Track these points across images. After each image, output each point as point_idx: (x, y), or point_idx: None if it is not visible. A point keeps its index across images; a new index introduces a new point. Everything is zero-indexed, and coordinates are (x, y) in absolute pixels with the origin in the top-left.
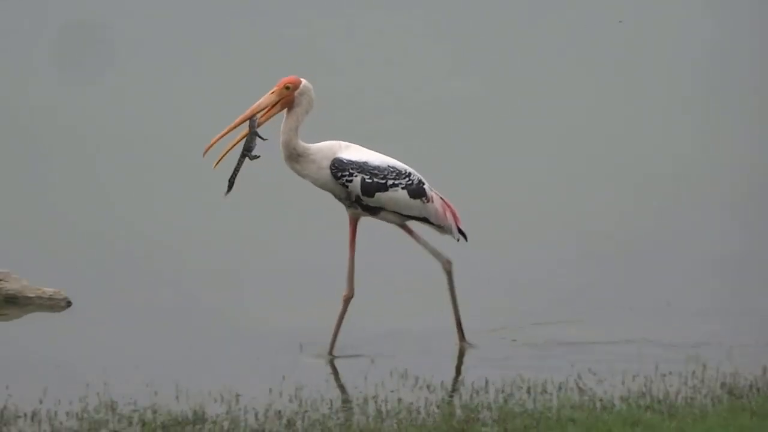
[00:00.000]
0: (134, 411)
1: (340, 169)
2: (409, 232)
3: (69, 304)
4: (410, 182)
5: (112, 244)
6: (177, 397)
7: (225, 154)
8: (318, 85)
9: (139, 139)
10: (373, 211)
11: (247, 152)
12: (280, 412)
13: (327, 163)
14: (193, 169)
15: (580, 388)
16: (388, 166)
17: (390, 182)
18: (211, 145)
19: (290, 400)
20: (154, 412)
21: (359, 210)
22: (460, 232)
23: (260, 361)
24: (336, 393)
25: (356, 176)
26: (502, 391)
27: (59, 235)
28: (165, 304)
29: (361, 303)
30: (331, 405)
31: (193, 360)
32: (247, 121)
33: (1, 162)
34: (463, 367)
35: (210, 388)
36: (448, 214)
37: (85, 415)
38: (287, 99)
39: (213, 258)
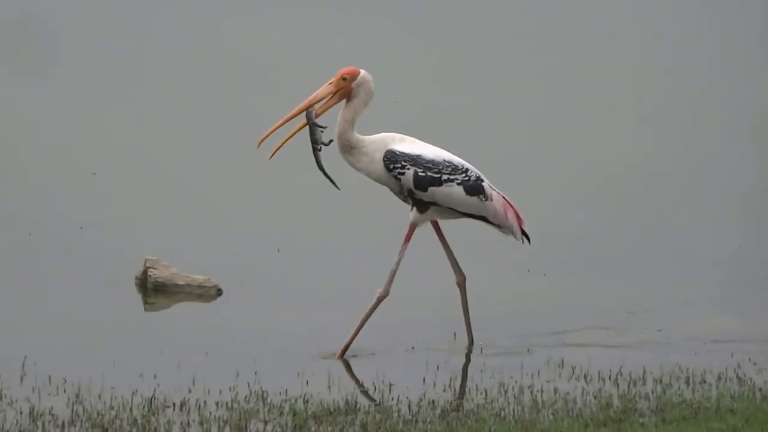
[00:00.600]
0: (285, 401)
1: (392, 161)
2: (440, 235)
3: (220, 292)
4: (467, 178)
5: (264, 232)
6: (329, 387)
7: (281, 145)
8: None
9: None
10: (426, 206)
11: (315, 145)
12: (433, 402)
13: (380, 156)
14: None
15: (739, 378)
16: (444, 160)
17: (445, 177)
18: (266, 137)
19: (444, 390)
20: (306, 401)
21: (412, 204)
22: (524, 233)
23: (414, 351)
24: (490, 383)
25: (409, 169)
26: (660, 381)
27: (209, 222)
28: (318, 292)
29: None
30: (486, 395)
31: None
32: (304, 113)
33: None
34: (620, 358)
35: (362, 378)
36: (510, 214)
37: (235, 405)
38: (344, 90)
39: (360, 252)
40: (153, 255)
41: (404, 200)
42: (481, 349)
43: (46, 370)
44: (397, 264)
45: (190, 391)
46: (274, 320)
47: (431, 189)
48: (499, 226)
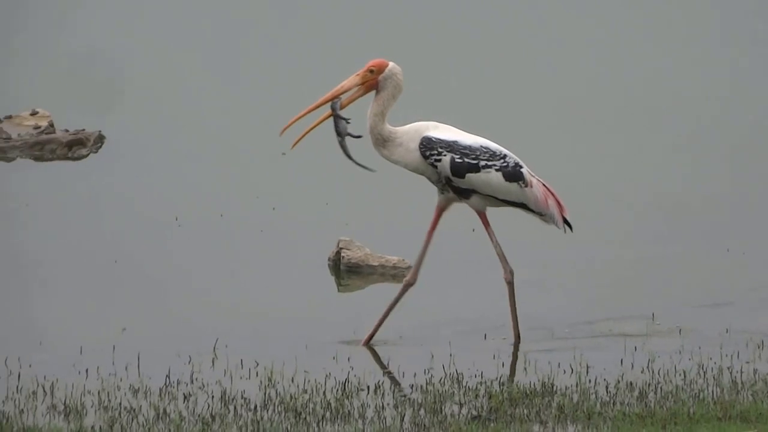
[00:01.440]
0: (480, 383)
1: (428, 147)
2: (486, 227)
3: None
4: (505, 164)
5: (458, 213)
6: (525, 369)
7: (304, 135)
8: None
9: None
10: (465, 194)
11: (340, 137)
12: (631, 383)
13: (415, 145)
14: None
15: None
16: (481, 146)
17: (483, 163)
18: (289, 125)
19: (642, 371)
20: (501, 384)
21: (451, 194)
22: (566, 222)
23: (611, 331)
24: (689, 364)
25: (445, 155)
26: None
27: (401, 202)
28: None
29: None
30: (685, 376)
31: (537, 331)
32: (330, 103)
33: None
34: None
35: (559, 360)
36: (551, 202)
37: (430, 388)
38: (371, 83)
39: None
40: (346, 236)
41: (442, 189)
42: (680, 330)
43: (238, 353)
44: (423, 251)
45: (383, 374)
46: (467, 302)
47: (469, 176)
48: (540, 214)
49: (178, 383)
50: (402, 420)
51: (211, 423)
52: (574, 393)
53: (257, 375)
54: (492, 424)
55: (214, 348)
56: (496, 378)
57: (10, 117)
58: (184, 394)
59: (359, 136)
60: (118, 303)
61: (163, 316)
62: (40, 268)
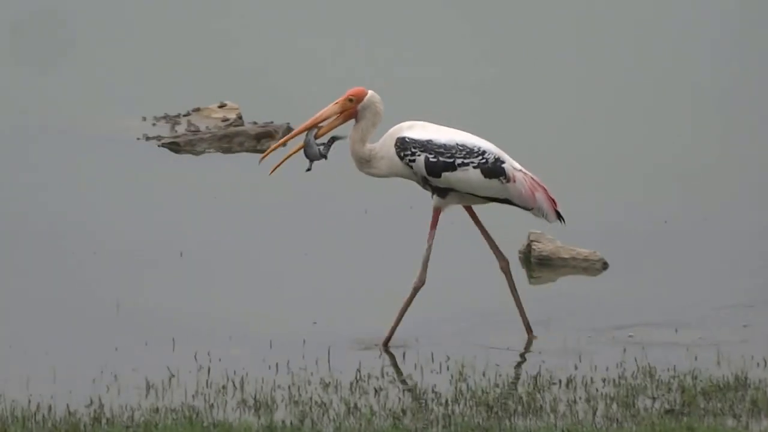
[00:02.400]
0: (673, 377)
1: (402, 148)
2: (476, 221)
3: (606, 266)
4: (484, 160)
5: (649, 203)
6: (718, 363)
7: (281, 163)
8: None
9: None
10: (444, 192)
11: (309, 161)
12: None
13: (395, 151)
14: None
15: None
16: (457, 143)
17: (459, 161)
18: (267, 154)
19: None
20: (694, 377)
21: (432, 191)
22: (559, 215)
23: None
24: None
25: (419, 155)
26: None
27: (595, 193)
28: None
29: None
30: None
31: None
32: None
33: None
34: None
35: (752, 352)
36: (539, 195)
37: (622, 382)
38: (350, 111)
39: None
40: (537, 229)
41: (424, 188)
42: None
43: (429, 347)
44: (428, 251)
45: (576, 368)
46: (660, 294)
47: (445, 174)
48: (527, 209)
49: (369, 377)
50: (594, 414)
51: (402, 417)
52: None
53: (448, 369)
54: (685, 418)
55: (404, 342)
56: (690, 371)
57: (198, 109)
58: (374, 388)
59: (309, 170)
60: (309, 296)
61: (353, 310)
62: (229, 261)
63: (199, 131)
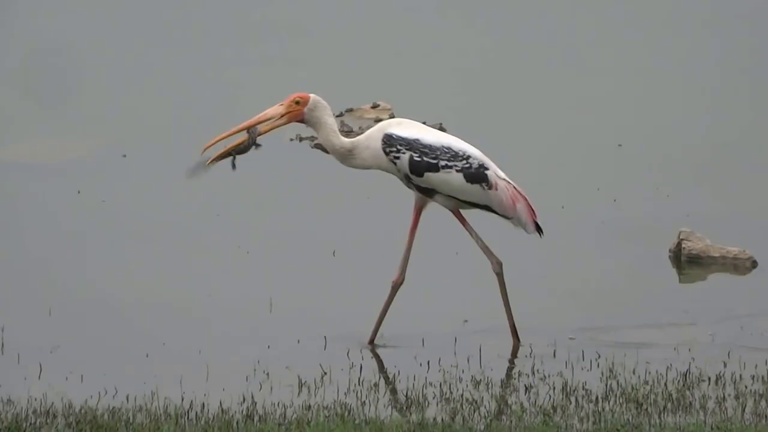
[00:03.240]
0: None
1: (388, 144)
2: (464, 223)
3: (755, 264)
4: (468, 165)
5: None
6: None
7: (219, 155)
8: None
9: None
10: (428, 192)
11: (235, 153)
12: None
13: (380, 144)
14: None
15: None
16: (443, 145)
17: (443, 163)
18: (210, 145)
19: None
20: None
21: (415, 190)
22: (537, 227)
23: None
24: None
25: (404, 153)
26: None
27: (745, 192)
28: None
29: None
30: None
31: None
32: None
33: None
34: None
35: None
36: (519, 205)
37: None
38: (295, 113)
39: None
40: (687, 227)
41: (407, 185)
42: None
43: (579, 344)
44: (408, 250)
45: (725, 365)
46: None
47: (428, 174)
48: (507, 217)
49: (519, 375)
50: (743, 411)
51: (553, 414)
52: None
53: (598, 366)
54: None
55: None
56: None
57: (351, 110)
58: (525, 385)
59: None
60: (462, 295)
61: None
62: (381, 260)
63: (352, 131)
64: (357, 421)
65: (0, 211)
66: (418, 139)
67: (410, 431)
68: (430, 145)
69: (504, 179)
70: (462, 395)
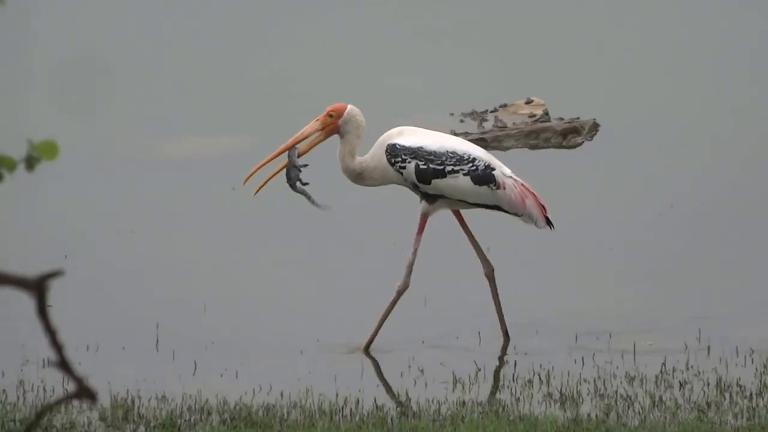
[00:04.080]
0: None
1: (393, 155)
2: (464, 226)
3: None
4: (474, 168)
5: None
6: None
7: (265, 183)
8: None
9: None
10: (433, 199)
11: (290, 182)
12: None
13: (386, 158)
14: None
15: None
16: (447, 151)
17: (449, 168)
18: (251, 175)
19: None
20: None
21: (422, 198)
22: (548, 221)
23: None
24: None
25: (409, 162)
26: None
27: None
28: None
29: None
30: None
31: None
32: (287, 152)
33: None
34: None
35: None
36: (529, 202)
37: None
38: (331, 127)
39: None
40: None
41: (414, 192)
42: None
43: (733, 340)
44: (414, 255)
45: None
46: None
47: (435, 182)
48: (517, 215)
49: (674, 371)
50: None
51: (707, 410)
52: None
53: (752, 362)
54: None
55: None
56: None
57: (505, 106)
58: (679, 381)
59: (306, 184)
60: (616, 290)
61: (658, 306)
62: (533, 254)
63: (506, 127)
64: (511, 418)
65: (156, 207)
66: (421, 147)
67: (564, 427)
68: (435, 152)
69: (511, 177)
70: (616, 391)
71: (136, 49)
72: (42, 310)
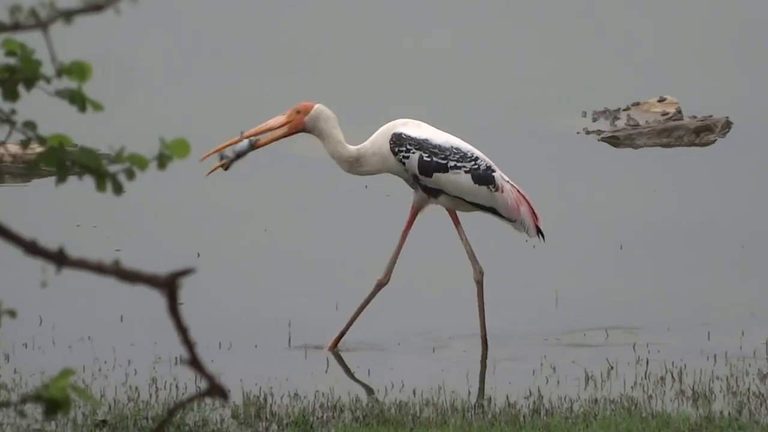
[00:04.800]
0: None
1: (397, 143)
2: (457, 225)
3: None
4: (476, 166)
5: None
6: None
7: (217, 167)
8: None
9: None
10: (434, 193)
11: (225, 160)
12: None
13: (388, 147)
14: None
15: None
16: (452, 146)
17: (452, 163)
18: (208, 155)
19: None
20: None
21: (422, 193)
22: (539, 231)
23: None
24: None
25: (414, 153)
26: None
27: None
28: None
29: None
30: None
31: None
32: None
33: None
34: None
35: None
36: (523, 209)
37: None
38: (297, 122)
39: None
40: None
41: (413, 187)
42: None
43: None
44: (398, 251)
45: None
46: None
47: (436, 175)
48: (510, 220)
49: None
50: None
51: None
52: None
53: None
54: None
55: None
56: None
57: (638, 104)
58: None
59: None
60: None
61: None
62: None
63: (638, 125)
64: (643, 415)
65: (287, 203)
66: (427, 140)
67: (697, 425)
68: (440, 146)
69: (508, 182)
70: (749, 389)
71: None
72: (173, 308)
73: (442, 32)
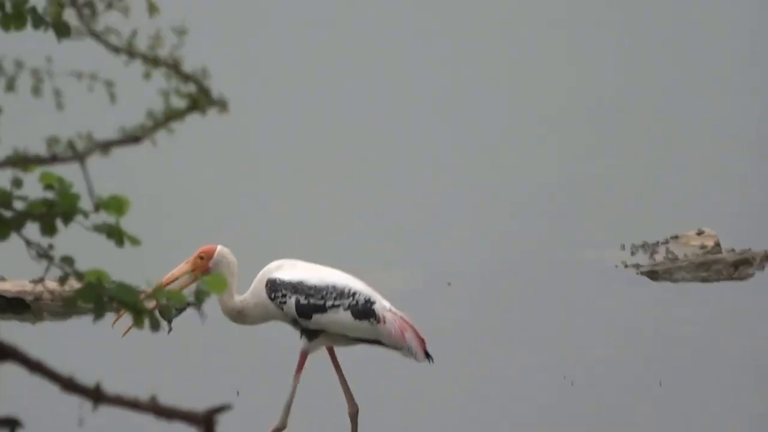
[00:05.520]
0: None
1: (273, 289)
2: (335, 363)
3: None
4: (354, 302)
5: None
6: None
7: (131, 326)
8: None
9: None
10: (313, 334)
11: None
12: None
13: (266, 294)
14: None
15: None
16: (328, 285)
17: (329, 303)
18: (119, 317)
19: None
20: None
21: (301, 334)
22: (427, 354)
23: None
24: None
25: (290, 297)
26: None
27: None
28: None
29: None
30: None
31: None
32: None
33: None
34: None
35: None
36: (408, 335)
37: None
38: (202, 268)
39: None
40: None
41: (294, 328)
42: None
43: None
44: (292, 395)
45: None
46: None
47: (316, 316)
48: (397, 349)
49: None
50: None
51: None
52: None
53: None
54: None
55: None
56: None
57: (676, 237)
58: None
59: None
60: None
61: None
62: None
63: (677, 259)
64: None
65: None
66: (302, 281)
67: None
68: (315, 286)
69: (390, 311)
70: None
71: None
72: None
73: (477, 166)
